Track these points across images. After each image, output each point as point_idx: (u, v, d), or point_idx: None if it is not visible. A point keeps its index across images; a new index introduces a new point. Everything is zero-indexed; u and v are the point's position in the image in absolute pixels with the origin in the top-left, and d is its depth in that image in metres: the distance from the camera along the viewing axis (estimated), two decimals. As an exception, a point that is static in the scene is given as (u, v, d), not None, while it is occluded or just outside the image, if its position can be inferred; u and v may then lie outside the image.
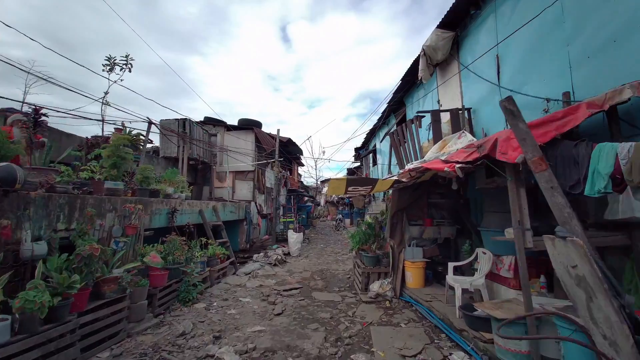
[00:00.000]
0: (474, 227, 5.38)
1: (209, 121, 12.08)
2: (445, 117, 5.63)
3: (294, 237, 10.55)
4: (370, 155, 16.24)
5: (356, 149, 19.78)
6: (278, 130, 11.92)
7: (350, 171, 27.93)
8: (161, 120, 10.03)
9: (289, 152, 17.49)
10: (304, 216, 15.83)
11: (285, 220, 15.32)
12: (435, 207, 6.65)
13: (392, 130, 10.00)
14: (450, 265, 4.58)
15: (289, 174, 18.54)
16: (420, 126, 5.86)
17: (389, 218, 6.40)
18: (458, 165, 3.20)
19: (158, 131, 9.85)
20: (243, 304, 5.41)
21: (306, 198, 28.52)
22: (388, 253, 6.19)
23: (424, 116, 6.12)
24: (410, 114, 9.50)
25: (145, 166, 5.77)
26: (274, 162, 11.76)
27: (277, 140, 11.95)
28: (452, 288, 4.25)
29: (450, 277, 4.43)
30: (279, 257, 8.94)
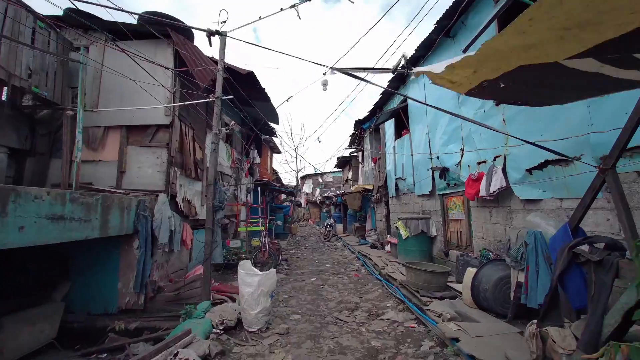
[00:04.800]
0: None
1: (70, 18, 5.34)
2: None
3: (254, 285, 4.05)
4: (390, 123, 10.03)
5: (358, 122, 13.55)
6: (221, 36, 5.27)
7: (342, 162, 21.69)
8: None
9: (255, 118, 10.90)
10: (278, 222, 9.24)
11: (247, 229, 8.76)
12: None
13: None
14: None
15: (256, 156, 11.93)
16: None
17: None
18: None
19: None
20: None
21: (283, 196, 21.95)
22: None
23: None
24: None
25: None
26: (212, 101, 5.12)
27: (222, 66, 5.34)
28: None
29: None
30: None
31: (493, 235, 4.99)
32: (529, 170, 4.08)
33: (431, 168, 6.99)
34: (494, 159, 4.79)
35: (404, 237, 7.11)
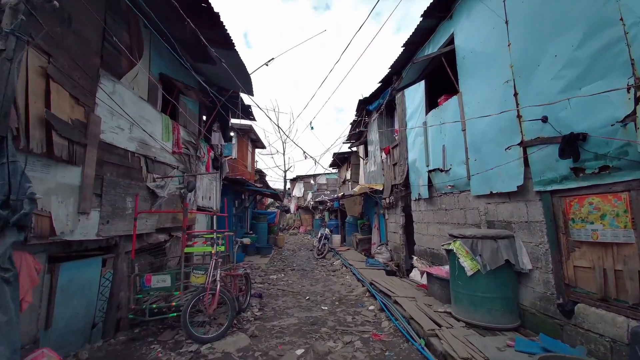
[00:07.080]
0: None
1: None
2: None
3: None
4: (414, 90, 6.77)
5: (362, 103, 10.31)
6: None
7: (339, 160, 18.36)
8: None
9: (219, 87, 7.62)
10: (245, 240, 5.70)
11: (193, 250, 5.43)
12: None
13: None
14: None
15: (223, 142, 8.55)
16: None
17: None
18: None
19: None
20: None
21: (268, 200, 18.53)
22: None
23: None
24: None
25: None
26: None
27: None
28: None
29: None
30: None
31: None
32: None
33: (519, 143, 3.76)
34: None
35: (469, 273, 3.83)
